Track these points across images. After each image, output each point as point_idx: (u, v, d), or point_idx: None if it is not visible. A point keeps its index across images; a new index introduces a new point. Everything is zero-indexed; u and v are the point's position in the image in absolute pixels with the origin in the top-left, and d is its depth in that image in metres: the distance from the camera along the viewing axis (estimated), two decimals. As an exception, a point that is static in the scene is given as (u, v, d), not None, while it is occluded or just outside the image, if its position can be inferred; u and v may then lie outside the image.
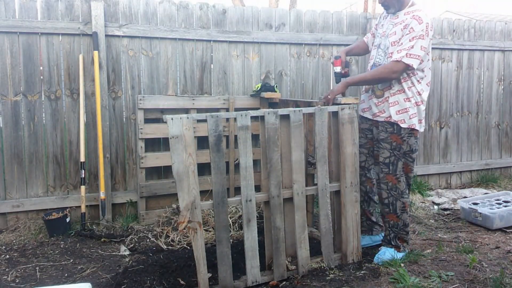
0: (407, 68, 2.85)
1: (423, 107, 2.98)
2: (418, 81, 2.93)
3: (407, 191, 3.03)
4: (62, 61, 3.63)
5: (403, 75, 2.90)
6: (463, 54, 5.02)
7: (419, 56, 2.82)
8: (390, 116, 2.94)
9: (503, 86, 5.30)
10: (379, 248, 3.10)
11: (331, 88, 3.86)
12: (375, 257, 3.00)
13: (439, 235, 3.59)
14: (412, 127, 2.93)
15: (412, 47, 2.80)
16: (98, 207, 3.67)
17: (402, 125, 2.92)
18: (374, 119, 3.03)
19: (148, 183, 3.78)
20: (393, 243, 3.05)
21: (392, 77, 2.86)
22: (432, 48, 4.78)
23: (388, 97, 2.94)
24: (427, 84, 2.99)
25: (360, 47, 3.40)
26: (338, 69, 3.18)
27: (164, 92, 3.88)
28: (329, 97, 2.99)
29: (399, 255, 2.99)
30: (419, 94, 2.94)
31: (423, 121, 3.02)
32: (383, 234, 3.23)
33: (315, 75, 4.42)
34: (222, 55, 4.06)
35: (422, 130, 3.01)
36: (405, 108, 2.91)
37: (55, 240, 3.41)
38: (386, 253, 2.99)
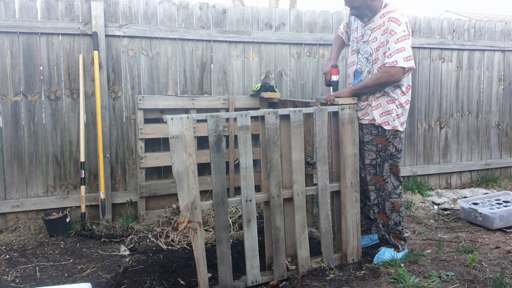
0: (408, 70, 2.86)
1: (407, 107, 3.00)
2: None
3: (397, 191, 3.02)
4: (62, 61, 3.63)
5: None
6: (463, 54, 5.03)
7: (411, 55, 2.85)
8: (373, 119, 2.96)
9: (503, 86, 5.30)
10: (379, 248, 3.10)
11: (331, 89, 3.85)
12: (375, 257, 3.01)
13: (439, 235, 3.59)
14: (396, 128, 2.95)
15: (404, 49, 2.81)
16: (98, 207, 3.67)
17: (386, 127, 2.94)
18: (359, 122, 3.03)
19: (148, 183, 3.78)
20: (390, 242, 3.06)
21: (392, 80, 2.86)
22: (432, 48, 4.87)
23: (372, 100, 2.95)
24: (410, 83, 3.01)
25: (341, 46, 3.41)
26: (337, 77, 3.18)
27: (164, 92, 3.88)
28: (331, 96, 2.98)
29: (399, 255, 3.00)
30: (404, 94, 2.95)
31: (406, 121, 3.05)
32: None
33: (315, 75, 4.42)
34: (222, 55, 4.06)
35: (403, 129, 3.03)
36: (388, 110, 2.93)
37: (55, 240, 3.42)
38: (386, 253, 2.99)
